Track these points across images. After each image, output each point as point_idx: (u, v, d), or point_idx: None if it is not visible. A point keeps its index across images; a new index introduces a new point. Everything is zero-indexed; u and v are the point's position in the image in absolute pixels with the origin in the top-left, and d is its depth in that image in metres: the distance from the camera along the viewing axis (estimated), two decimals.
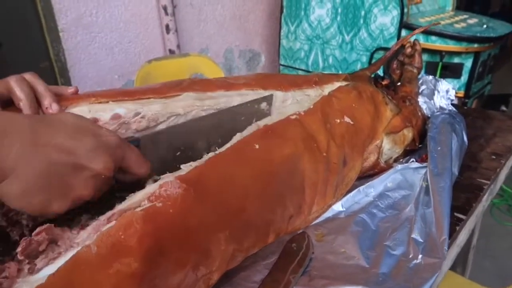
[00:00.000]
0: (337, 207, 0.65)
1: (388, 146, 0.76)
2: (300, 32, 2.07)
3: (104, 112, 0.49)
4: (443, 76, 1.79)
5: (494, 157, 0.87)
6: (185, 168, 0.41)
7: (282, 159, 0.52)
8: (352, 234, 0.60)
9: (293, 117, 0.59)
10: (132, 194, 0.39)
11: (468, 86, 1.81)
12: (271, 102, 0.64)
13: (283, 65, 2.21)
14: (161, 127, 0.53)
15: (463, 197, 0.72)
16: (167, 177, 0.39)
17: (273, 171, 0.50)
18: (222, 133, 0.54)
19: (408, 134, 0.79)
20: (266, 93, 0.63)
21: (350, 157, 0.66)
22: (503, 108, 2.13)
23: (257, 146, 0.48)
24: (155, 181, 0.41)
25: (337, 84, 0.76)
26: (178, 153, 0.51)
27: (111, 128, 0.48)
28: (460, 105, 1.86)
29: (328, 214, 0.64)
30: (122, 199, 0.40)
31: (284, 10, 2.07)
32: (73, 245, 0.37)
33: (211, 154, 0.44)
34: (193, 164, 0.42)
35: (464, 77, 1.80)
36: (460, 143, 0.77)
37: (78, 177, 0.35)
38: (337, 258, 0.55)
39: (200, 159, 0.47)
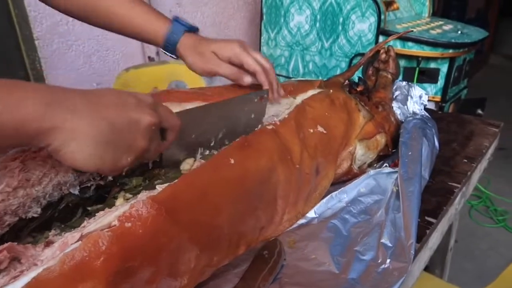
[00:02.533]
0: (310, 213, 0.65)
1: (361, 152, 0.77)
2: (280, 38, 2.08)
3: None
4: (420, 81, 1.82)
5: (466, 160, 0.89)
6: (160, 187, 0.41)
7: (256, 173, 0.52)
8: (323, 240, 0.60)
9: (270, 127, 0.59)
10: (103, 212, 0.38)
11: (444, 90, 1.84)
12: (267, 96, 0.64)
13: None
14: None
15: (434, 201, 0.73)
16: (141, 197, 0.39)
17: (247, 186, 0.50)
18: (228, 123, 0.58)
19: (381, 139, 0.80)
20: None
21: (323, 166, 0.67)
22: (479, 111, 2.18)
23: (232, 161, 0.48)
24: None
25: (310, 92, 0.76)
26: (193, 136, 0.54)
27: None
28: (437, 109, 1.90)
29: (301, 220, 0.64)
30: (93, 215, 0.40)
31: (264, 17, 2.09)
32: (36, 263, 0.36)
33: (185, 173, 0.44)
34: (166, 184, 0.42)
35: (441, 82, 1.83)
36: (431, 147, 0.79)
37: (135, 130, 0.39)
38: (308, 264, 0.56)
39: (208, 143, 0.55)
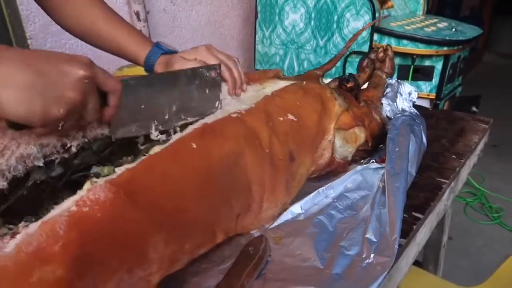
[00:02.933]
0: (296, 209, 0.66)
1: (339, 144, 0.76)
2: (275, 37, 2.08)
3: None
4: (415, 78, 1.82)
5: (455, 156, 0.89)
6: (119, 170, 0.41)
7: (221, 157, 0.52)
8: (309, 236, 0.60)
9: (234, 115, 0.59)
10: (67, 199, 0.38)
11: (439, 88, 1.85)
12: (220, 71, 0.65)
13: (259, 70, 2.22)
14: None
15: (422, 196, 0.73)
16: (100, 181, 0.39)
17: (212, 170, 0.50)
18: (179, 95, 0.59)
19: (360, 134, 0.80)
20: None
21: (297, 153, 0.66)
22: (474, 109, 2.18)
23: (194, 146, 0.48)
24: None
25: (282, 84, 0.76)
26: (142, 106, 0.54)
27: None
28: (432, 107, 1.90)
29: (287, 216, 0.64)
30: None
31: (259, 16, 2.09)
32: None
33: (144, 156, 0.44)
34: (126, 167, 0.42)
35: (435, 80, 1.83)
36: (419, 144, 0.79)
37: (65, 81, 0.40)
38: (293, 260, 0.56)
39: (162, 116, 0.55)
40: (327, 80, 1.00)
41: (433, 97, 1.87)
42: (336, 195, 0.70)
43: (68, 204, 0.36)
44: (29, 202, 0.45)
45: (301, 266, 0.54)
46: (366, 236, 0.57)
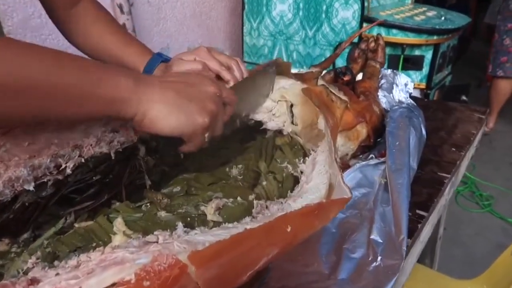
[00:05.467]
0: None
1: (341, 142, 0.73)
2: (263, 28, 2.04)
3: None
4: (405, 68, 1.80)
5: (454, 149, 0.87)
6: (200, 237, 0.35)
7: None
8: (311, 239, 0.57)
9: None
10: (99, 253, 0.33)
11: (429, 77, 1.83)
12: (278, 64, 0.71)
13: (247, 62, 2.17)
14: None
15: (425, 192, 0.71)
16: (177, 247, 0.33)
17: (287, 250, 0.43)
18: (250, 98, 0.66)
19: (361, 130, 0.77)
20: None
21: None
22: (464, 97, 2.18)
23: (289, 229, 0.40)
24: None
25: (282, 83, 0.72)
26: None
27: None
28: (423, 96, 1.89)
29: None
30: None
31: (246, 6, 2.04)
32: None
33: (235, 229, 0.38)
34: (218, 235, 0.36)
35: (426, 69, 1.82)
36: (419, 136, 0.76)
37: (203, 96, 0.46)
38: (296, 266, 0.53)
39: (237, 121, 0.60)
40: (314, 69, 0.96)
41: (424, 87, 1.85)
42: None
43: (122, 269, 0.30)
44: (16, 222, 0.41)
45: (304, 272, 0.51)
46: (371, 237, 0.55)
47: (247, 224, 0.41)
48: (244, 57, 2.17)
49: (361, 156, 0.81)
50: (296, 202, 0.48)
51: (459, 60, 3.26)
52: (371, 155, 0.80)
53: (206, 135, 0.46)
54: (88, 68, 0.39)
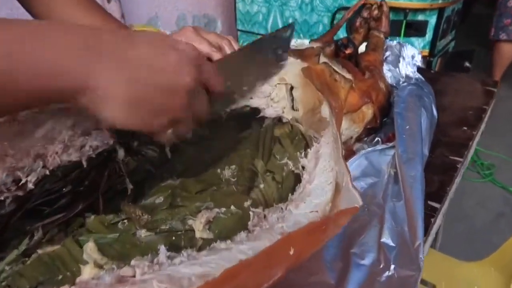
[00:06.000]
0: None
1: (345, 126, 0.67)
2: None
3: None
4: (407, 34, 1.71)
5: (465, 128, 0.80)
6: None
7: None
8: None
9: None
10: None
11: (433, 44, 1.74)
12: (293, 30, 0.61)
13: (241, 31, 2.06)
14: None
15: (436, 180, 0.65)
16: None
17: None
18: (257, 64, 0.57)
19: (367, 110, 0.70)
20: None
21: None
22: (467, 64, 2.09)
23: (292, 252, 0.34)
24: None
25: None
26: (228, 84, 0.48)
27: None
28: (425, 64, 1.80)
29: None
30: None
31: None
32: None
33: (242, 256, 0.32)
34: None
35: (429, 35, 1.72)
36: (430, 118, 0.70)
37: (169, 97, 0.36)
38: (298, 274, 0.47)
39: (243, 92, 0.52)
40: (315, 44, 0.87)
41: (426, 54, 1.76)
42: None
43: None
44: None
45: (308, 283, 0.46)
46: (381, 240, 0.49)
47: (242, 243, 0.34)
48: (237, 25, 2.05)
49: (366, 139, 0.74)
50: (299, 208, 0.42)
51: (462, 25, 3.14)
52: (377, 138, 0.73)
53: (170, 131, 0.38)
54: (19, 25, 0.29)
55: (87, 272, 0.31)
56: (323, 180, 0.46)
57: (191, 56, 0.37)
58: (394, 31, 1.69)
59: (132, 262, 0.32)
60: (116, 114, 0.34)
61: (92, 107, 0.33)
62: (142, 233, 0.36)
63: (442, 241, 1.35)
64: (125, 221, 0.37)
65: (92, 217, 0.39)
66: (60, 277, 0.33)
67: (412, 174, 0.54)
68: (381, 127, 0.76)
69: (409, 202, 0.51)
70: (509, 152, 2.22)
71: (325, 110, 0.55)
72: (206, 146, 0.53)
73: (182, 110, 0.37)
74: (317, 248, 0.37)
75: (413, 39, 1.73)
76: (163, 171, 0.46)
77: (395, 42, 0.92)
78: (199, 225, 0.37)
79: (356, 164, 0.65)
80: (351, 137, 0.72)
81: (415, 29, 1.69)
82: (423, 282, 0.93)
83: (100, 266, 0.32)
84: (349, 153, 0.68)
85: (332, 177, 0.46)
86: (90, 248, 0.33)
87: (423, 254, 0.45)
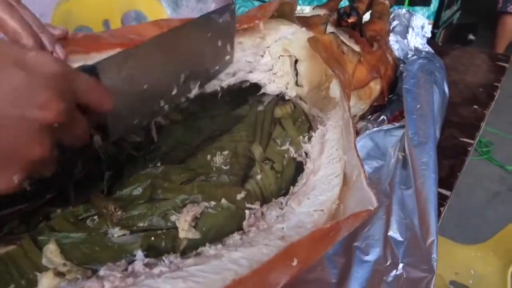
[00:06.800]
0: None
1: (351, 104, 0.60)
2: None
3: None
4: (411, 4, 1.62)
5: (476, 106, 0.75)
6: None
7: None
8: None
9: None
10: None
11: (438, 14, 1.65)
12: (234, 12, 0.46)
13: None
14: None
15: (447, 165, 0.59)
16: None
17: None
18: (189, 59, 0.41)
19: (375, 86, 0.63)
20: None
21: None
22: (471, 37, 2.01)
23: (295, 263, 0.29)
24: None
25: (284, 31, 0.57)
26: (146, 86, 0.36)
27: None
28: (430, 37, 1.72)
29: None
30: None
31: None
32: None
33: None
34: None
35: (434, 5, 1.63)
36: (442, 96, 0.64)
37: (16, 138, 0.24)
38: None
39: (172, 95, 0.37)
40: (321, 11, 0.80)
41: (431, 25, 1.68)
42: None
43: None
44: None
45: (306, 280, 0.41)
46: (388, 233, 0.44)
47: (236, 249, 0.29)
48: None
49: (370, 117, 0.69)
50: (302, 205, 0.36)
51: None
52: (382, 117, 0.67)
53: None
54: None
55: (44, 283, 0.26)
56: (330, 172, 0.41)
57: (47, 72, 0.25)
58: (397, 0, 1.60)
59: (101, 272, 0.26)
60: None
61: None
62: (115, 232, 0.31)
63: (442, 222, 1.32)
64: (96, 217, 0.32)
65: (58, 211, 0.33)
66: (12, 286, 0.27)
67: (424, 160, 0.49)
68: (387, 104, 0.70)
69: (420, 192, 0.46)
70: (508, 129, 2.18)
71: (334, 89, 0.49)
72: (196, 126, 0.47)
73: (38, 151, 0.25)
74: (324, 253, 0.32)
75: (417, 8, 1.64)
76: (146, 154, 0.40)
77: (404, 10, 0.85)
78: (183, 224, 0.32)
79: (360, 145, 0.59)
80: (356, 115, 0.66)
81: None
82: None
83: (61, 275, 0.27)
84: None
85: (340, 168, 0.40)
86: (51, 251, 0.28)
87: (436, 253, 0.40)
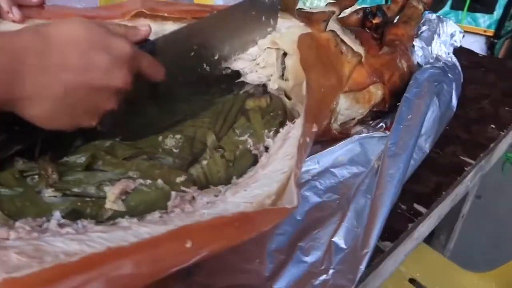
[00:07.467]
0: None
1: (345, 105, 0.59)
2: None
3: None
4: (472, 9, 1.51)
5: (493, 126, 0.70)
6: None
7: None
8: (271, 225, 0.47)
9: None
10: None
11: (500, 23, 1.53)
12: None
13: None
14: None
15: (433, 181, 0.57)
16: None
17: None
18: (233, 30, 0.54)
19: (376, 91, 0.62)
20: None
21: None
22: None
23: (188, 245, 0.31)
24: None
25: (284, 25, 0.57)
26: (192, 53, 0.49)
27: None
28: (488, 46, 1.60)
29: None
30: None
31: None
32: None
33: None
34: None
35: (498, 12, 1.51)
36: (443, 110, 0.61)
37: (100, 97, 0.36)
38: (237, 258, 0.44)
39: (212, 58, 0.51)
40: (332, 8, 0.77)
41: (491, 34, 1.55)
42: (319, 170, 0.55)
43: None
44: None
45: (241, 270, 0.42)
46: (333, 239, 0.44)
47: (146, 225, 0.31)
48: None
49: (371, 122, 0.67)
50: (236, 195, 0.38)
51: None
52: (381, 124, 0.65)
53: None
54: None
55: None
56: (279, 168, 0.41)
57: (124, 55, 0.36)
58: (457, 5, 1.50)
59: (17, 223, 0.30)
60: (44, 118, 0.34)
61: (23, 114, 0.33)
62: (47, 192, 0.34)
63: (461, 244, 1.24)
64: (36, 176, 0.36)
65: (21, 161, 0.37)
66: None
67: (391, 172, 0.47)
68: (391, 111, 0.68)
69: (375, 203, 0.45)
70: None
71: (303, 90, 0.49)
72: (172, 108, 0.49)
73: (111, 106, 0.37)
74: (232, 244, 0.34)
75: (478, 15, 1.53)
76: (109, 127, 0.43)
77: (434, 16, 0.80)
78: (111, 195, 0.35)
79: (348, 149, 0.58)
80: (353, 118, 0.65)
81: (482, 4, 1.49)
82: (417, 283, 0.86)
83: None
84: (342, 136, 0.61)
85: (289, 166, 0.41)
86: None
87: (365, 265, 0.39)
